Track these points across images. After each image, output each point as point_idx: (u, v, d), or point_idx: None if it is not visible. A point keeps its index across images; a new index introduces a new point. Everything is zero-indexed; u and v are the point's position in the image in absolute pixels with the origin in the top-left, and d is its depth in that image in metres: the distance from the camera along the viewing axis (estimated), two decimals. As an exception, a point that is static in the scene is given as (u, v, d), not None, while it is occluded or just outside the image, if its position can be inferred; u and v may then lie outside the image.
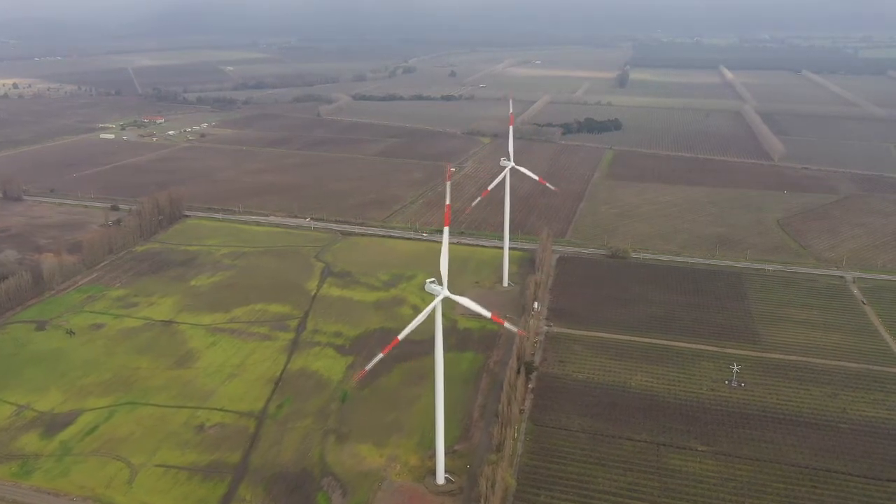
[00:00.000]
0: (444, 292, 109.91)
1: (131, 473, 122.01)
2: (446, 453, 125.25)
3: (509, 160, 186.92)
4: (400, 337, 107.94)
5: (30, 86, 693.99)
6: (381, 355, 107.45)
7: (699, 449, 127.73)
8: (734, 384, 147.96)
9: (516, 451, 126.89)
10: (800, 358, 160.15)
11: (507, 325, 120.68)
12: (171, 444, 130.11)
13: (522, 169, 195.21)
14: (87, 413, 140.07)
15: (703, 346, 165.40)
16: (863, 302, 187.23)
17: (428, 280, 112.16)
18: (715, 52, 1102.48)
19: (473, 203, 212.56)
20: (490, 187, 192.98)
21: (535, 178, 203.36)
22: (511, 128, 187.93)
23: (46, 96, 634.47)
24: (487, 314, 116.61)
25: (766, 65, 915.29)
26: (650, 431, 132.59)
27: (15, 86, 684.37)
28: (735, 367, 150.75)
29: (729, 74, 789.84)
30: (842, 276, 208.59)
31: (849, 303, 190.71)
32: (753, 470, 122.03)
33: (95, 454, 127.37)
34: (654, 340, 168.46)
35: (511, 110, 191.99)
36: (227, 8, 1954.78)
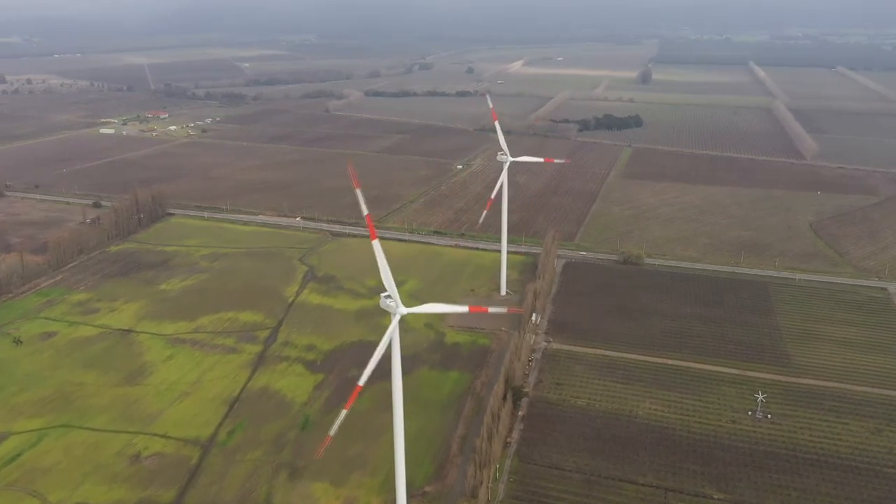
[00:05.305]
0: (401, 309, 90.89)
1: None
2: (415, 495, 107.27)
3: (507, 155, 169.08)
4: (361, 383, 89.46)
5: (43, 81, 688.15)
6: (344, 412, 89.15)
7: (715, 497, 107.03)
8: (759, 416, 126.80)
9: (497, 496, 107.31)
10: (837, 384, 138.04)
11: (492, 310, 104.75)
12: (99, 478, 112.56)
13: (523, 158, 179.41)
14: (14, 437, 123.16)
15: (723, 369, 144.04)
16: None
17: (383, 294, 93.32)
18: (744, 50, 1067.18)
19: (481, 220, 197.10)
20: (492, 195, 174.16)
21: (541, 160, 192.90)
22: (497, 123, 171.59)
23: (57, 92, 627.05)
24: (464, 308, 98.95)
25: (798, 62, 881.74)
26: (657, 473, 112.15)
27: (28, 81, 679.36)
28: (760, 396, 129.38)
29: (759, 71, 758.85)
30: (884, 288, 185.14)
31: (893, 319, 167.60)
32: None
33: (10, 488, 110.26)
34: (667, 360, 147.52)
35: (491, 105, 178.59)
36: (246, 5, 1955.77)
